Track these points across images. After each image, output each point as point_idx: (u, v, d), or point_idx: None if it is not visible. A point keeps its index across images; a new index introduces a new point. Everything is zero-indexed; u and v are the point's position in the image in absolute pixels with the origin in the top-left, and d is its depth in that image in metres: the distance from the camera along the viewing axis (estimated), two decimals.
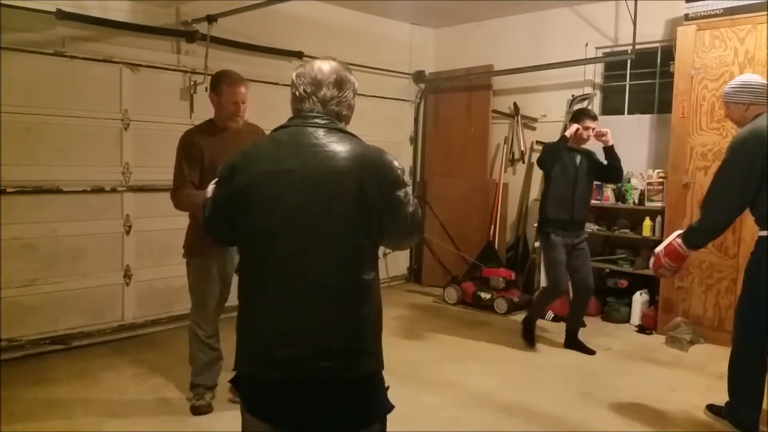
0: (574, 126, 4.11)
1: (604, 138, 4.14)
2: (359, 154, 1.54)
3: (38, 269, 4.04)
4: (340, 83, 1.63)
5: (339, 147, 1.54)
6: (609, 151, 4.19)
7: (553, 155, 4.14)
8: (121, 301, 4.44)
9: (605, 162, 4.25)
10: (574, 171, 4.17)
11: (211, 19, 4.57)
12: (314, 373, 1.49)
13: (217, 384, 3.33)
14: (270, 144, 1.58)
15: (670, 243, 3.09)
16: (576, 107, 5.61)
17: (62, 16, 3.96)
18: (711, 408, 3.27)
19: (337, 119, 1.62)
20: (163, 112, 4.58)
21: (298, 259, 1.50)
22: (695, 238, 3.05)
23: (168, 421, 3.13)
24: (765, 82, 3.09)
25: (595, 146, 4.29)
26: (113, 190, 4.35)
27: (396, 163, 1.60)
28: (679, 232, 3.12)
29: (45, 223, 4.04)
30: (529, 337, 4.43)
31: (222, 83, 3.05)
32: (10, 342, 3.90)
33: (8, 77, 3.82)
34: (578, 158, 4.20)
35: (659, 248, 3.15)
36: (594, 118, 4.19)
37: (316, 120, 1.57)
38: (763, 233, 2.93)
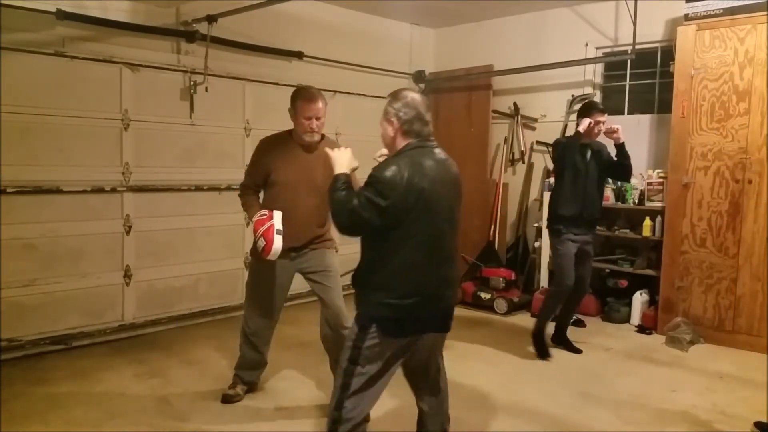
0: (587, 120, 3.97)
1: (615, 135, 4.00)
2: (454, 164, 2.32)
3: (38, 269, 4.04)
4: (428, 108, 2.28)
5: (450, 161, 2.30)
6: (620, 148, 4.05)
7: (571, 152, 4.02)
8: (121, 301, 4.44)
9: (615, 158, 4.12)
10: (585, 166, 4.05)
11: (211, 19, 4.57)
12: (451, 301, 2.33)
13: (256, 384, 3.44)
14: (429, 160, 2.18)
15: None
16: (577, 106, 5.62)
17: (62, 16, 3.96)
18: (760, 426, 3.09)
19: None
20: (163, 112, 4.58)
21: (450, 235, 2.25)
22: None
23: (168, 421, 3.13)
24: None
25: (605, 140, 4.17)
26: (113, 190, 4.34)
27: None
28: None
29: (45, 223, 4.04)
30: (541, 350, 4.18)
31: (298, 98, 3.11)
32: (10, 342, 3.90)
33: (8, 77, 3.82)
34: (588, 153, 4.07)
35: None
36: (603, 111, 4.06)
37: (433, 141, 2.27)
38: None
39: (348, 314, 3.22)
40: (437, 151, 2.25)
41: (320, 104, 3.09)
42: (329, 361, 3.28)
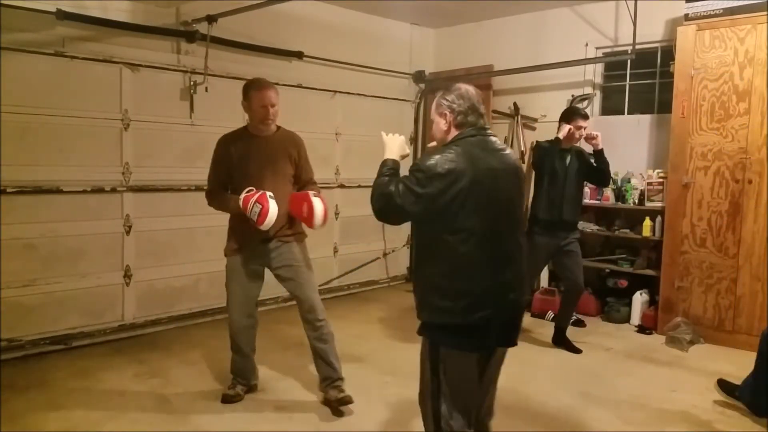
0: (566, 127, 4.08)
1: (594, 141, 4.12)
2: (513, 155, 2.17)
3: (38, 269, 4.04)
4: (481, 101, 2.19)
5: (507, 150, 2.16)
6: (598, 154, 4.17)
7: (551, 157, 4.13)
8: (121, 301, 4.44)
9: (594, 164, 4.23)
10: (564, 170, 4.15)
11: (211, 19, 4.57)
12: (515, 308, 2.13)
13: (255, 385, 3.44)
14: (479, 149, 2.05)
15: None
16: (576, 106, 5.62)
17: (62, 16, 3.96)
18: (723, 385, 3.31)
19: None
20: (163, 112, 4.58)
21: (508, 231, 2.08)
22: None
23: (168, 420, 3.13)
24: None
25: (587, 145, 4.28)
26: (113, 190, 4.34)
27: None
28: None
29: (45, 223, 4.04)
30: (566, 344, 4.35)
31: (250, 89, 3.16)
32: (10, 342, 3.90)
33: (8, 77, 3.82)
34: (568, 157, 4.17)
35: None
36: (585, 117, 4.16)
37: (489, 130, 2.15)
38: None
39: (323, 306, 3.30)
40: (492, 139, 2.12)
41: (273, 92, 3.14)
42: (312, 357, 3.32)
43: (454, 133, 2.11)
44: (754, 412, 3.20)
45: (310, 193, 3.07)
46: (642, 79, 5.39)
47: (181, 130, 4.70)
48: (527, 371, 3.94)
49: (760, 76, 4.23)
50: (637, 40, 4.93)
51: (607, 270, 5.17)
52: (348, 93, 5.84)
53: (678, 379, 3.82)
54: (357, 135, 5.91)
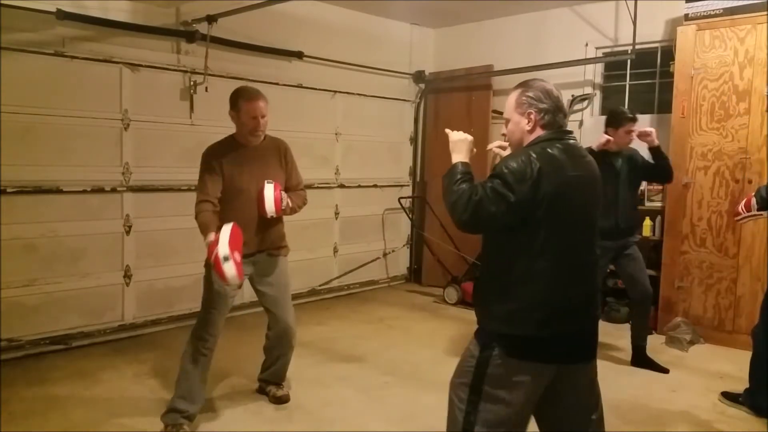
0: (604, 138, 3.77)
1: (649, 138, 3.81)
2: (593, 162, 2.04)
3: (38, 269, 4.04)
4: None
5: (590, 158, 2.02)
6: (656, 150, 3.87)
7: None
8: (121, 301, 4.44)
9: (651, 161, 3.94)
10: (615, 176, 3.85)
11: (211, 19, 4.57)
12: (592, 321, 2.02)
13: (195, 415, 3.06)
14: (564, 155, 1.90)
15: (747, 198, 3.33)
16: (576, 107, 5.62)
17: (62, 16, 3.96)
18: (727, 395, 3.39)
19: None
20: (163, 112, 4.58)
21: (586, 241, 1.97)
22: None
23: None
24: None
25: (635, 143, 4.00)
26: (113, 190, 4.35)
27: None
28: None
29: (45, 223, 4.04)
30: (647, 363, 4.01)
31: (240, 99, 3.01)
32: (10, 342, 3.90)
33: (8, 77, 3.82)
34: (619, 162, 3.89)
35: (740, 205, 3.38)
36: (634, 120, 3.83)
37: (573, 134, 2.02)
38: None
39: (296, 328, 3.26)
40: (577, 145, 1.98)
41: (263, 102, 3.01)
42: (266, 362, 3.41)
43: (538, 133, 1.95)
44: (756, 412, 3.21)
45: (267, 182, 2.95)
46: (642, 79, 5.39)
47: (181, 130, 4.70)
48: None
49: (760, 76, 4.23)
50: (637, 40, 4.93)
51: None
52: (348, 93, 5.84)
53: (678, 379, 3.82)
54: (357, 135, 5.92)
